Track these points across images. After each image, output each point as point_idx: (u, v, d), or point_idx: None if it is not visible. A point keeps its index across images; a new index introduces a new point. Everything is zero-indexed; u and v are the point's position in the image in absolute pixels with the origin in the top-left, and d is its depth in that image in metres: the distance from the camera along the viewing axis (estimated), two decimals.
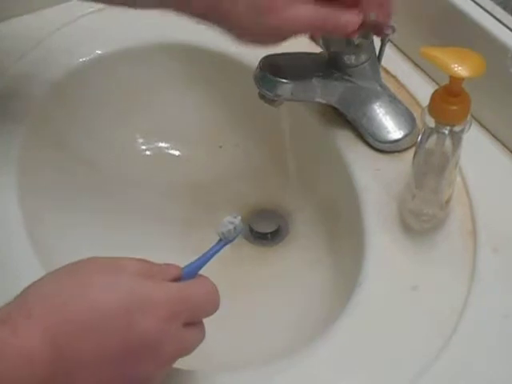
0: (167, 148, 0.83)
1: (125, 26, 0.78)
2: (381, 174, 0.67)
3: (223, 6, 0.58)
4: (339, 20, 0.59)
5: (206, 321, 0.50)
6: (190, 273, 0.50)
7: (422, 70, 0.76)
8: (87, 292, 0.45)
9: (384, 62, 0.70)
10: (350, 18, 0.59)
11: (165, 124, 0.83)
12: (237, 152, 0.82)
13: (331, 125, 0.72)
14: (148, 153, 0.82)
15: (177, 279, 0.49)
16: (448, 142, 0.57)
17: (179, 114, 0.83)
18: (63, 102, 0.77)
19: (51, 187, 0.73)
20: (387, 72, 0.75)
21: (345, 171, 0.68)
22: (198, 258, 0.51)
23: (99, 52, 0.79)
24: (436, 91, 0.56)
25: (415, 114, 0.69)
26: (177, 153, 0.83)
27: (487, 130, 0.70)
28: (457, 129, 0.56)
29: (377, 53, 0.69)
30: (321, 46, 0.67)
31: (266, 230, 0.77)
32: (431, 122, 0.56)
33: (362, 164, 0.68)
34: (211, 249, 0.51)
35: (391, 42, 0.75)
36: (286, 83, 0.66)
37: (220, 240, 0.51)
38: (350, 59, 0.67)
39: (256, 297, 0.71)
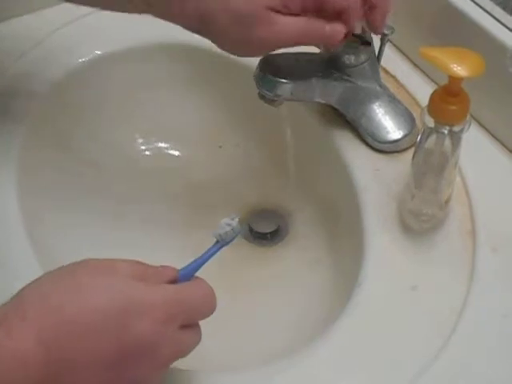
0: (167, 148, 0.83)
1: (125, 26, 0.78)
2: (380, 174, 0.67)
3: (207, 18, 0.58)
4: (324, 31, 0.60)
5: (205, 321, 0.50)
6: (187, 275, 0.50)
7: (421, 70, 0.76)
8: (83, 294, 0.45)
9: (383, 62, 0.70)
10: (335, 29, 0.60)
11: (165, 124, 0.83)
12: (237, 152, 0.82)
13: (331, 125, 0.72)
14: (148, 153, 0.82)
15: (173, 281, 0.49)
16: (447, 142, 0.57)
17: (179, 114, 0.83)
18: (63, 102, 0.77)
19: (51, 187, 0.73)
20: (387, 72, 0.75)
21: (344, 171, 0.68)
22: (195, 260, 0.51)
23: (99, 52, 0.79)
24: (435, 91, 0.56)
25: (414, 114, 0.69)
26: (176, 153, 0.83)
27: (486, 129, 0.70)
28: (456, 129, 0.56)
29: (376, 53, 0.69)
30: (320, 47, 0.67)
31: (265, 230, 0.77)
32: (430, 122, 0.56)
33: (361, 164, 0.68)
34: (208, 251, 0.51)
35: (391, 42, 0.75)
36: (286, 83, 0.66)
37: (217, 242, 0.51)
38: (350, 59, 0.67)
39: (256, 297, 0.71)
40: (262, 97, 0.68)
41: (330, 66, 0.68)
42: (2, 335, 0.43)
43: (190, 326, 0.48)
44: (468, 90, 0.55)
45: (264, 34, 0.58)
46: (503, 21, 0.67)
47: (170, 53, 0.81)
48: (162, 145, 0.83)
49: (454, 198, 0.63)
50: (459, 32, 0.69)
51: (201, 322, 0.50)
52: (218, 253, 0.51)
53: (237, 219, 0.51)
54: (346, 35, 0.61)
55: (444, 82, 0.54)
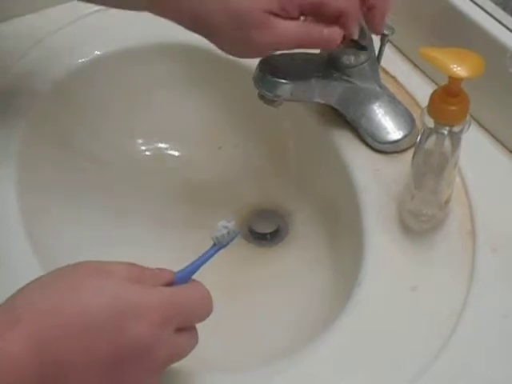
0: (167, 149, 0.83)
1: (125, 26, 0.78)
2: (380, 175, 0.67)
3: (204, 19, 0.59)
4: (322, 35, 0.60)
5: (206, 321, 0.50)
6: (183, 278, 0.50)
7: (421, 70, 0.76)
8: (77, 296, 0.45)
9: (383, 62, 0.70)
10: (332, 33, 0.60)
11: (164, 124, 0.83)
12: (236, 152, 0.82)
13: (330, 125, 0.72)
14: (148, 153, 0.82)
15: (170, 284, 0.49)
16: (447, 143, 0.57)
17: (179, 114, 0.83)
18: (64, 101, 0.77)
19: (51, 185, 0.73)
20: (386, 72, 0.75)
21: (344, 171, 0.68)
22: (192, 263, 0.51)
23: (99, 52, 0.79)
24: (435, 91, 0.56)
25: (414, 115, 0.69)
26: (176, 153, 0.83)
27: (486, 130, 0.70)
28: (456, 129, 0.56)
29: (376, 53, 0.69)
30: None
31: (265, 230, 0.77)
32: (430, 123, 0.56)
33: (361, 164, 0.68)
34: (205, 253, 0.51)
35: (390, 42, 0.75)
36: (286, 84, 0.66)
37: (214, 245, 0.51)
38: (350, 59, 0.67)
39: (256, 297, 0.71)
40: (261, 97, 0.68)
41: (329, 66, 0.68)
42: None
43: (187, 329, 0.48)
44: (468, 90, 0.55)
45: (262, 37, 0.59)
46: (503, 21, 0.67)
47: (170, 53, 0.81)
48: (162, 145, 0.83)
49: (454, 198, 0.63)
50: (459, 32, 0.69)
51: (201, 322, 0.50)
52: (216, 255, 0.51)
53: (233, 222, 0.51)
54: (343, 39, 0.61)
55: (444, 82, 0.55)
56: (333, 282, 0.68)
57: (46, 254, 0.64)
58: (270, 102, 0.68)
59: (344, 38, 0.61)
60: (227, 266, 0.69)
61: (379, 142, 0.69)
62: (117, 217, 0.76)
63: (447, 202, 0.62)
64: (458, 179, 0.64)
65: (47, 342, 0.43)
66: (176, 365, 0.49)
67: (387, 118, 0.69)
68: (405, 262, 0.61)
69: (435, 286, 0.59)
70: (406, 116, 0.70)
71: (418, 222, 0.63)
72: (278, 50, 0.62)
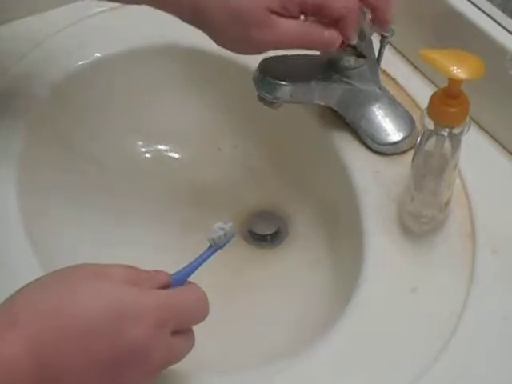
0: (166, 150, 0.83)
1: (125, 28, 0.78)
2: (380, 176, 0.67)
3: (204, 10, 0.58)
4: (323, 36, 0.60)
5: (206, 322, 0.50)
6: (180, 280, 0.50)
7: (421, 72, 0.76)
8: (76, 298, 0.45)
9: (383, 64, 0.70)
10: (333, 35, 0.60)
11: (164, 126, 0.83)
12: (236, 154, 0.82)
13: (330, 127, 0.72)
14: (148, 155, 0.82)
15: (166, 286, 0.49)
16: (447, 144, 0.57)
17: (179, 116, 0.83)
18: (64, 103, 0.77)
19: (51, 185, 0.73)
20: (386, 74, 0.75)
21: (344, 173, 0.68)
22: (188, 265, 0.50)
23: (99, 54, 0.79)
24: (435, 93, 0.56)
25: (414, 117, 0.69)
26: (176, 155, 0.83)
27: (486, 131, 0.70)
28: (456, 131, 0.56)
29: (376, 55, 0.69)
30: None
31: (265, 231, 0.77)
32: (430, 124, 0.56)
33: (361, 166, 0.68)
34: (202, 255, 0.51)
35: (390, 44, 0.75)
36: (285, 85, 0.66)
37: (210, 246, 0.51)
38: (349, 61, 0.67)
39: (256, 298, 0.71)
40: (261, 99, 0.68)
41: (329, 68, 0.68)
42: None
43: (183, 332, 0.48)
44: (468, 92, 0.55)
45: (262, 35, 0.58)
46: (503, 23, 0.67)
47: (170, 55, 0.81)
48: (162, 147, 0.83)
49: (454, 200, 0.63)
50: (459, 34, 0.70)
51: (200, 324, 0.50)
52: (212, 257, 0.51)
53: (230, 223, 0.51)
54: (341, 43, 0.61)
55: (444, 84, 0.55)
56: (333, 284, 0.68)
57: (46, 254, 0.63)
58: (270, 103, 0.68)
59: (342, 42, 0.61)
60: (227, 267, 0.69)
61: (379, 144, 0.69)
62: (116, 218, 0.76)
63: (447, 203, 0.62)
64: (458, 181, 0.64)
65: (46, 344, 0.43)
66: (175, 366, 0.49)
67: (387, 119, 0.69)
68: (405, 264, 0.61)
69: (435, 288, 0.59)
70: (405, 118, 0.70)
71: (418, 223, 0.63)
72: (278, 48, 0.62)
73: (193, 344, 0.49)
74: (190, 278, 0.51)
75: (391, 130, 0.69)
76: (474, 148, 0.67)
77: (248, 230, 0.77)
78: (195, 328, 0.50)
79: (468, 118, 0.56)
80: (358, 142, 0.70)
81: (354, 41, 0.62)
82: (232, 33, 0.59)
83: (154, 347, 0.45)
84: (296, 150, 0.78)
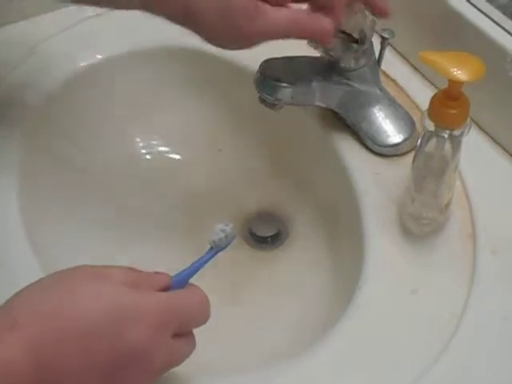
0: (167, 151, 0.83)
1: (125, 30, 0.78)
2: (380, 178, 0.67)
3: (195, 11, 0.57)
4: (315, 23, 0.58)
5: (206, 324, 0.50)
6: (180, 281, 0.50)
7: (421, 73, 0.76)
8: (74, 300, 0.45)
9: (384, 65, 0.70)
10: (324, 22, 0.59)
11: (165, 128, 0.83)
12: (236, 155, 0.82)
13: (331, 128, 0.72)
14: (148, 156, 0.82)
15: (167, 288, 0.49)
16: (447, 146, 0.57)
17: (179, 117, 0.83)
18: (63, 105, 0.76)
19: (51, 189, 0.73)
20: (387, 76, 0.75)
21: (344, 175, 0.68)
22: (189, 267, 0.50)
23: (100, 56, 0.79)
24: (435, 95, 0.56)
25: (415, 118, 0.69)
26: (177, 156, 0.83)
27: (486, 133, 0.70)
28: (456, 132, 0.56)
29: (376, 56, 0.69)
30: (320, 51, 0.68)
31: (265, 233, 0.77)
32: (431, 126, 0.56)
33: (361, 168, 0.68)
34: (202, 257, 0.51)
35: (391, 45, 0.75)
36: (286, 87, 0.66)
37: (211, 248, 0.51)
38: (350, 63, 0.67)
39: (256, 300, 0.71)
40: (262, 101, 0.68)
41: (330, 69, 0.68)
42: None
43: (184, 335, 0.48)
44: (468, 93, 0.55)
45: (252, 25, 0.57)
46: (503, 25, 0.67)
47: (171, 56, 0.81)
48: (163, 148, 0.83)
49: (455, 201, 0.63)
50: (459, 36, 0.70)
51: (199, 329, 0.49)
52: (213, 259, 0.51)
53: (231, 225, 0.51)
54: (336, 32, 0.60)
55: (444, 85, 0.55)
56: (333, 285, 0.68)
57: (47, 255, 0.63)
58: (271, 105, 0.68)
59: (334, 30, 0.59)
60: (228, 269, 0.69)
61: (379, 145, 0.69)
62: (117, 219, 0.76)
63: (448, 205, 0.62)
64: (458, 182, 0.64)
65: (45, 345, 0.43)
66: (175, 368, 0.49)
67: (387, 121, 0.69)
68: (405, 266, 0.61)
69: (436, 289, 0.59)
70: (406, 119, 0.70)
71: (419, 225, 0.63)
72: (270, 38, 0.59)
73: (194, 347, 0.49)
74: (191, 280, 0.51)
75: (392, 132, 0.69)
76: (475, 150, 0.67)
77: (248, 231, 0.77)
78: (195, 329, 0.50)
79: (468, 120, 0.56)
80: (358, 143, 0.70)
81: (347, 28, 0.61)
82: (223, 28, 0.57)
83: (155, 350, 0.45)
84: (296, 151, 0.78)
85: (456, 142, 0.57)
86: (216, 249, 0.51)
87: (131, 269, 0.49)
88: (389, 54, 0.73)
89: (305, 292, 0.70)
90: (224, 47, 0.61)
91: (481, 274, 0.60)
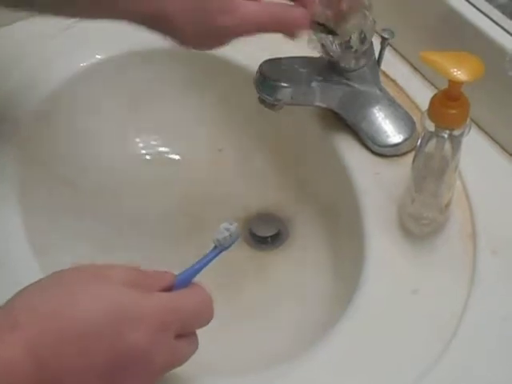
0: (167, 152, 0.83)
1: (125, 30, 0.78)
2: (380, 178, 0.67)
3: (168, 13, 0.56)
4: (289, 15, 0.58)
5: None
6: (184, 280, 0.50)
7: (421, 74, 0.76)
8: (74, 301, 0.45)
9: (383, 65, 0.70)
10: (300, 13, 0.58)
11: (165, 128, 0.83)
12: (236, 156, 0.83)
13: (331, 129, 0.72)
14: (148, 157, 0.82)
15: (170, 287, 0.49)
16: (447, 146, 0.57)
17: (179, 117, 0.83)
18: (62, 106, 0.77)
19: (52, 190, 0.73)
20: (386, 76, 0.75)
21: (344, 175, 0.68)
22: (192, 266, 0.50)
23: (99, 57, 0.79)
24: (435, 95, 0.56)
25: (415, 118, 0.69)
26: (177, 156, 0.83)
27: (486, 133, 0.70)
28: (456, 133, 0.56)
29: (376, 57, 0.69)
30: (320, 51, 0.68)
31: (266, 233, 0.77)
32: (431, 126, 0.56)
33: (361, 168, 0.68)
34: (206, 256, 0.50)
35: (391, 46, 0.75)
36: (286, 87, 0.66)
37: (215, 247, 0.51)
38: (350, 63, 0.67)
39: (256, 300, 0.71)
40: (262, 101, 0.68)
41: (330, 70, 0.68)
42: None
43: (186, 335, 0.48)
44: (468, 93, 0.55)
45: (225, 20, 0.56)
46: (502, 24, 0.67)
47: (171, 56, 0.81)
48: (163, 148, 0.83)
49: (454, 201, 0.63)
50: (459, 36, 0.70)
51: (204, 326, 0.49)
52: (217, 258, 0.51)
53: (235, 224, 0.51)
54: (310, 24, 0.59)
55: (444, 85, 0.55)
56: (333, 286, 0.68)
57: (47, 255, 0.64)
58: (271, 106, 0.68)
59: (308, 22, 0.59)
60: (228, 269, 0.69)
61: (379, 146, 0.69)
62: (117, 219, 0.76)
63: (448, 205, 0.62)
64: (458, 182, 0.64)
65: (45, 346, 0.43)
66: (176, 369, 0.49)
67: (387, 121, 0.69)
68: (405, 266, 0.61)
69: (436, 290, 0.59)
70: (406, 119, 0.70)
71: (419, 225, 0.63)
72: (245, 33, 0.58)
73: (196, 347, 0.49)
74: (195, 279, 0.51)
75: (391, 132, 0.69)
76: (475, 149, 0.67)
77: (249, 231, 0.77)
78: (196, 330, 0.50)
79: (468, 120, 0.56)
80: (358, 143, 0.70)
81: (321, 18, 0.60)
82: (198, 26, 0.57)
83: (156, 351, 0.45)
84: (297, 151, 0.78)
85: (456, 142, 0.57)
86: (220, 248, 0.50)
87: (132, 268, 0.48)
88: (389, 54, 0.73)
89: (305, 292, 0.70)
90: (198, 47, 0.60)
91: (481, 274, 0.60)
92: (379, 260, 0.61)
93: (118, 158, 0.80)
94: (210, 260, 0.50)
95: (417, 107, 0.72)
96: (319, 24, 0.62)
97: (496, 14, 0.68)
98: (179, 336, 0.47)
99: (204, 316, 0.49)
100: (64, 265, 0.48)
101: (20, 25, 0.81)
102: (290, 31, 0.59)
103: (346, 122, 0.71)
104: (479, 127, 0.70)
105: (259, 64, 0.68)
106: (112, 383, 0.45)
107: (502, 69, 0.65)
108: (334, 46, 0.64)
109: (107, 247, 0.72)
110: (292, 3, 0.59)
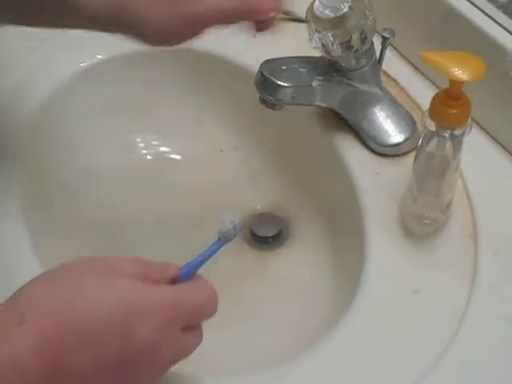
0: (168, 152, 0.83)
1: None
2: (381, 178, 0.67)
3: (128, 7, 0.56)
4: (253, 3, 0.57)
5: (207, 324, 0.50)
6: (188, 273, 0.50)
7: (422, 73, 0.76)
8: (82, 294, 0.44)
9: (384, 65, 0.70)
10: (262, 2, 0.57)
11: (165, 128, 0.83)
12: (237, 156, 0.83)
13: (332, 128, 0.72)
14: (149, 157, 0.82)
15: (174, 279, 0.49)
16: (448, 146, 0.57)
17: (180, 117, 0.83)
18: (62, 107, 0.77)
19: (52, 189, 0.73)
20: (387, 75, 0.75)
21: (345, 175, 0.68)
22: (196, 258, 0.50)
23: (99, 57, 0.79)
24: (436, 95, 0.56)
25: (416, 118, 0.69)
26: (178, 157, 0.83)
27: (487, 132, 0.70)
28: (457, 132, 0.56)
29: (377, 56, 0.69)
30: (320, 51, 0.67)
31: (267, 233, 0.77)
32: (432, 126, 0.56)
33: (362, 167, 0.68)
34: (209, 248, 0.50)
35: (391, 45, 0.75)
36: (287, 87, 0.66)
37: (218, 239, 0.50)
38: (351, 63, 0.67)
39: (257, 300, 0.71)
40: (263, 101, 0.68)
41: (330, 69, 0.68)
42: None
43: (191, 328, 0.48)
44: (468, 93, 0.55)
45: (200, 8, 0.55)
46: (504, 24, 0.67)
47: (172, 56, 0.81)
48: (164, 149, 0.83)
49: (456, 201, 0.63)
50: (460, 36, 0.69)
51: (202, 327, 0.49)
52: (219, 251, 0.51)
53: (239, 215, 0.50)
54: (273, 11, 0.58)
55: (445, 85, 0.55)
56: (335, 285, 0.68)
57: (47, 254, 0.63)
58: (272, 105, 0.68)
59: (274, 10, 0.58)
60: (229, 269, 0.69)
61: (381, 145, 0.69)
62: (117, 220, 0.76)
63: (449, 204, 0.62)
64: (459, 182, 0.64)
65: (53, 339, 0.43)
66: (176, 368, 0.49)
67: (388, 121, 0.69)
68: (407, 265, 0.61)
69: (437, 289, 0.59)
70: (407, 119, 0.70)
71: (420, 224, 0.63)
72: (211, 23, 0.57)
73: (201, 339, 0.49)
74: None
75: (393, 132, 0.69)
76: (476, 149, 0.67)
77: (250, 231, 0.77)
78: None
79: (469, 120, 0.56)
80: (359, 143, 0.70)
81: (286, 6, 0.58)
82: (164, 18, 0.56)
83: (164, 344, 0.46)
84: (297, 151, 0.78)
85: (457, 142, 0.57)
86: (224, 240, 0.50)
87: (139, 260, 0.48)
88: (389, 53, 0.73)
89: (306, 292, 0.70)
90: (168, 42, 0.59)
91: (482, 274, 0.60)
92: (380, 260, 0.61)
93: (118, 158, 0.80)
94: (213, 252, 0.50)
95: (418, 107, 0.72)
96: (284, 13, 0.61)
97: (497, 14, 0.68)
98: (185, 328, 0.47)
99: (209, 309, 0.49)
100: (65, 256, 0.48)
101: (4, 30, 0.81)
102: (253, 19, 0.59)
103: (346, 121, 0.71)
104: (480, 127, 0.70)
105: (260, 64, 0.68)
106: (121, 375, 0.45)
107: (503, 68, 0.65)
108: (335, 45, 0.64)
109: (107, 247, 0.72)
110: None
